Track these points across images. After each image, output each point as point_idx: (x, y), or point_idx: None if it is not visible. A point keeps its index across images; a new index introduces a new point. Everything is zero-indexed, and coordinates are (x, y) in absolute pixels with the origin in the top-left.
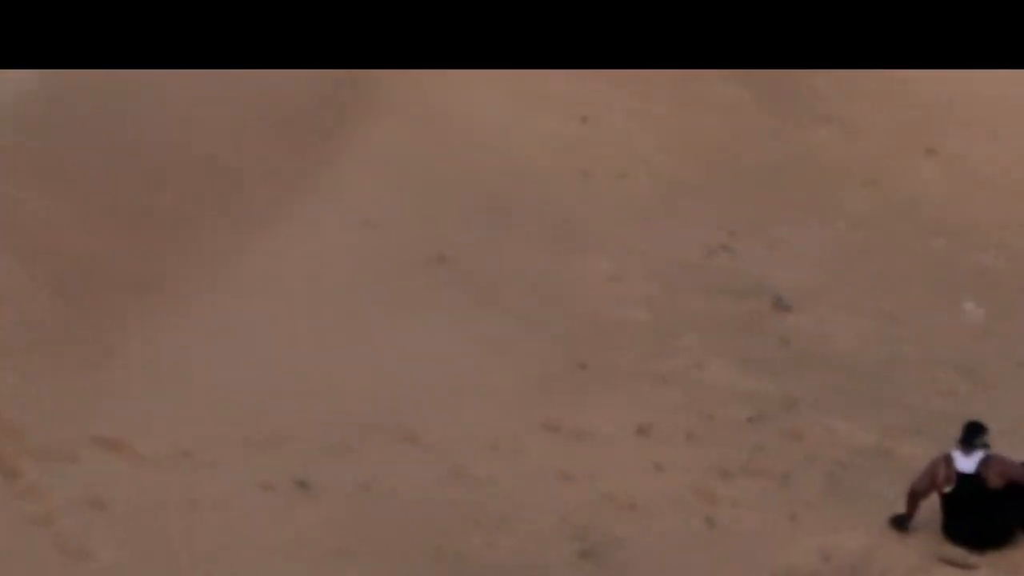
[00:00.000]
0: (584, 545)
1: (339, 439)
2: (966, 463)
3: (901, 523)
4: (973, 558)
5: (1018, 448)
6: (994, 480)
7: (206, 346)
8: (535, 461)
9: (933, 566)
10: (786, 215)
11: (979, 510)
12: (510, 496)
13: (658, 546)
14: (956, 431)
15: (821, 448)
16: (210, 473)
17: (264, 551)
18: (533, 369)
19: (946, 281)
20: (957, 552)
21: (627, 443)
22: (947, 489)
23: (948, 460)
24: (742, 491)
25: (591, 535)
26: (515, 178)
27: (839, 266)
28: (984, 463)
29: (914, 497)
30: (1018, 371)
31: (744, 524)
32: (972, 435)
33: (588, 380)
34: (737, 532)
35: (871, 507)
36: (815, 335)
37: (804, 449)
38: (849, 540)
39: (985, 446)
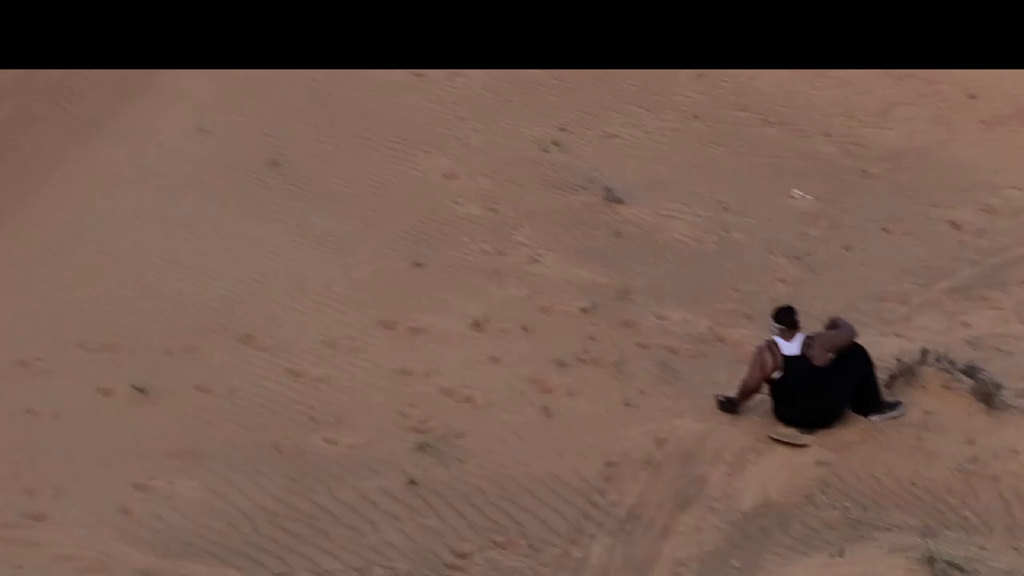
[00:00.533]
0: (423, 439)
1: (177, 343)
2: (790, 347)
3: (731, 407)
4: (805, 437)
5: None
6: (820, 357)
7: (40, 253)
8: (372, 359)
9: (764, 446)
10: (618, 109)
11: (808, 391)
12: (348, 393)
13: (496, 437)
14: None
15: (654, 336)
16: (47, 381)
17: (105, 456)
18: (369, 268)
19: (776, 169)
20: (789, 432)
21: (464, 338)
22: (776, 375)
23: (773, 347)
24: (577, 380)
25: (430, 429)
26: (349, 80)
27: (671, 158)
28: (807, 343)
29: (748, 392)
30: (846, 255)
31: (580, 413)
32: (787, 318)
33: (424, 277)
34: (573, 421)
35: (703, 393)
36: (647, 226)
37: (637, 337)
38: (682, 425)
39: (798, 326)
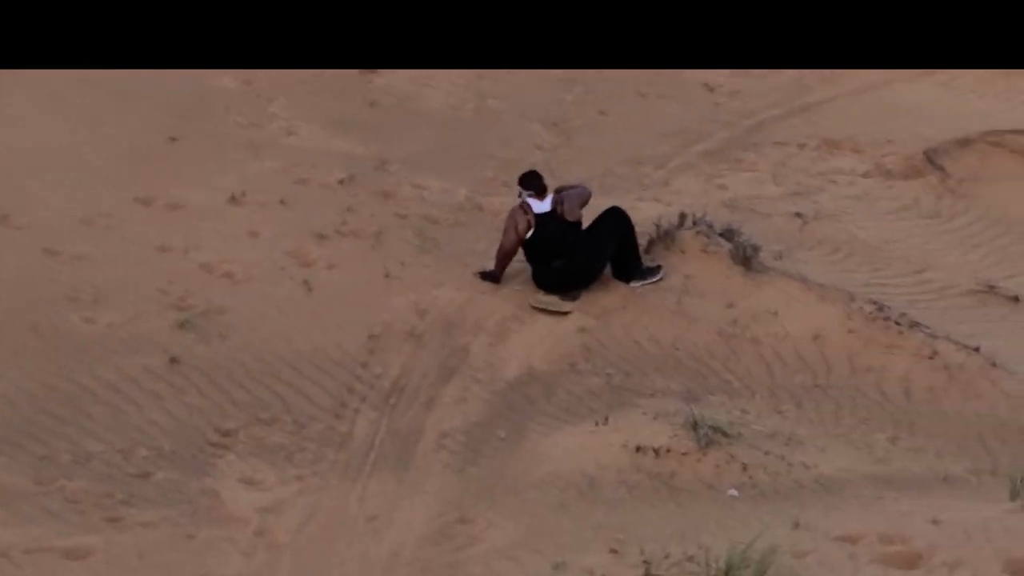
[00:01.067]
0: (183, 315)
1: None
2: (541, 206)
3: (492, 277)
4: (566, 304)
5: (608, 191)
6: (571, 212)
7: None
8: (130, 235)
9: (526, 315)
10: None
11: (562, 248)
12: (106, 271)
13: (257, 312)
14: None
15: (412, 206)
16: None
17: None
18: (125, 144)
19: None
20: (550, 299)
21: (222, 212)
22: (529, 234)
23: (525, 207)
24: (337, 253)
25: (190, 305)
26: None
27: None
28: (557, 200)
29: (505, 256)
30: (600, 119)
31: (340, 285)
32: (532, 182)
33: (180, 152)
34: (334, 294)
35: (463, 262)
36: (403, 95)
37: (396, 208)
38: (443, 295)
39: (546, 189)
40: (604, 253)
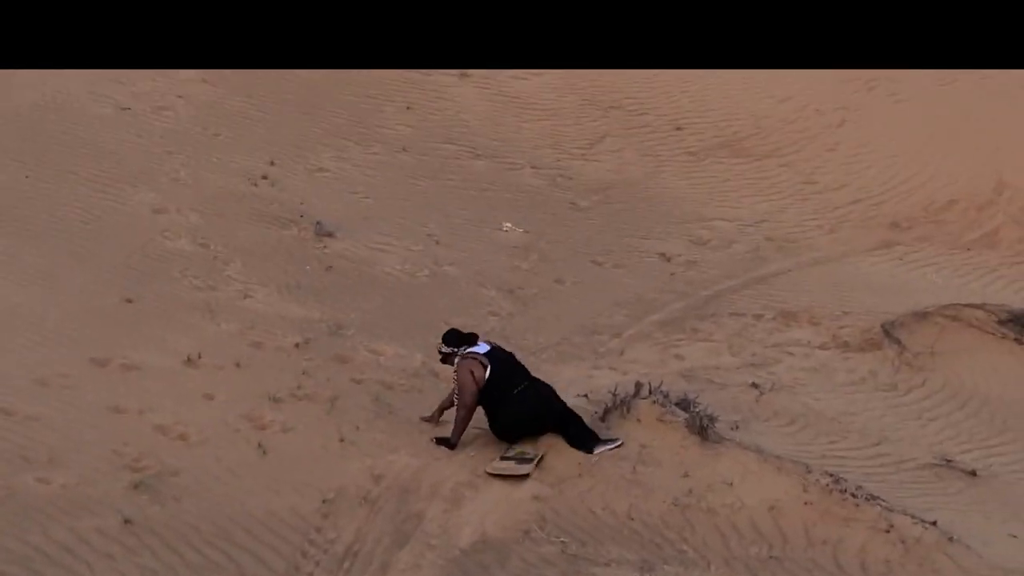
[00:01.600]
0: (138, 477)
1: None
2: (481, 347)
3: (448, 444)
4: (522, 467)
5: (564, 360)
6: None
7: None
8: (85, 396)
9: (481, 481)
10: (326, 141)
11: (520, 371)
12: (61, 432)
13: (212, 474)
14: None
15: (368, 371)
16: None
17: None
18: (80, 304)
19: (485, 202)
20: (506, 465)
21: (177, 374)
22: (487, 375)
23: (469, 355)
24: (292, 416)
25: (144, 467)
26: (55, 114)
27: (380, 191)
28: (493, 346)
29: (468, 415)
30: (556, 288)
31: (295, 449)
32: (455, 336)
33: (136, 313)
34: (289, 457)
35: (419, 427)
36: (359, 259)
37: (351, 372)
38: (398, 460)
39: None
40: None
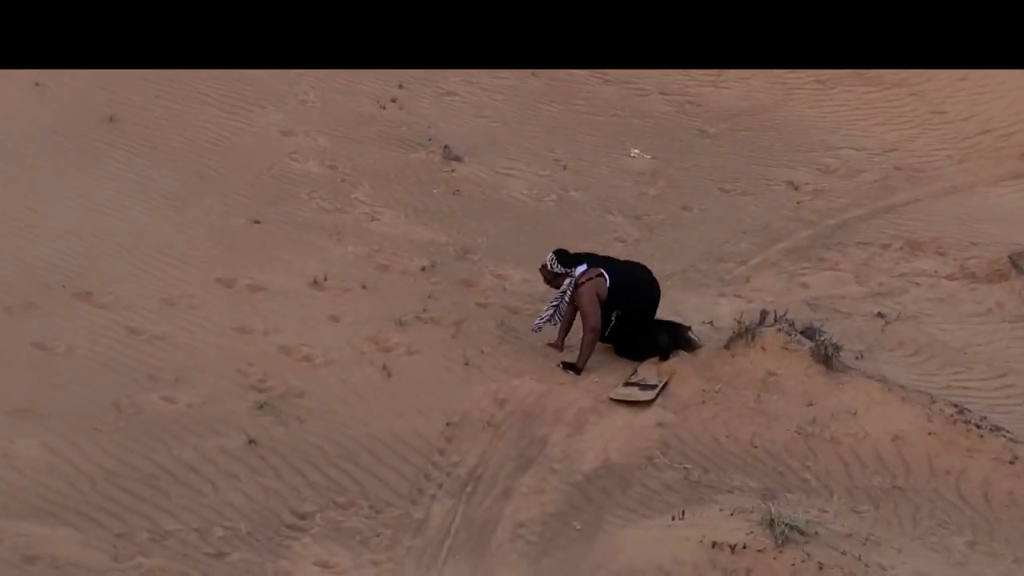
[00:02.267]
0: (263, 398)
1: (15, 300)
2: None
3: (573, 367)
4: (647, 394)
5: (690, 287)
6: None
7: None
8: (211, 316)
9: (605, 407)
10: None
11: (640, 273)
12: (187, 351)
13: (336, 396)
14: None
15: (493, 295)
16: None
17: None
18: (208, 225)
19: (613, 128)
20: (629, 391)
21: (303, 296)
22: (607, 292)
23: (585, 275)
24: (417, 339)
25: (269, 387)
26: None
27: (509, 115)
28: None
29: (595, 338)
30: (682, 215)
31: (420, 372)
32: (567, 256)
33: (263, 234)
34: (413, 380)
35: (543, 352)
36: (485, 184)
37: (476, 296)
38: (522, 385)
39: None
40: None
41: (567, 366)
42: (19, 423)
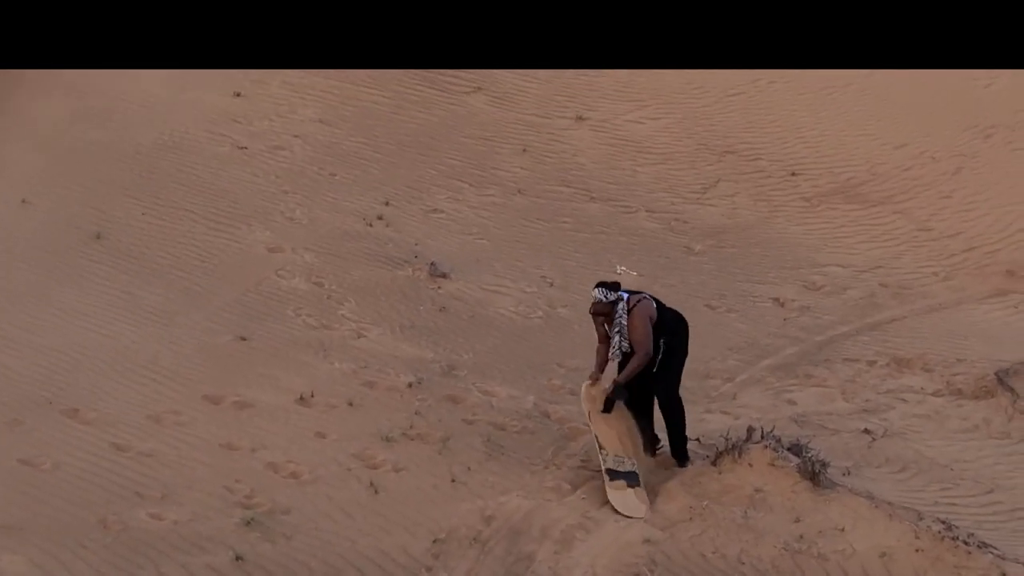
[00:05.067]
0: (249, 514)
1: (0, 415)
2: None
3: (620, 392)
4: (640, 509)
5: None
6: None
7: None
8: (198, 433)
9: (592, 523)
10: (441, 183)
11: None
12: (174, 468)
13: (322, 513)
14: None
15: (480, 412)
16: None
17: None
18: (195, 342)
19: (599, 245)
20: (626, 500)
21: (290, 412)
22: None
23: (643, 299)
24: (404, 456)
25: (256, 504)
26: (173, 153)
27: (495, 233)
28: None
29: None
30: None
31: (407, 488)
32: (612, 283)
33: (250, 351)
34: (400, 497)
35: (530, 469)
36: (472, 300)
37: (463, 413)
38: (509, 502)
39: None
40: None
41: (617, 394)
42: (4, 539)
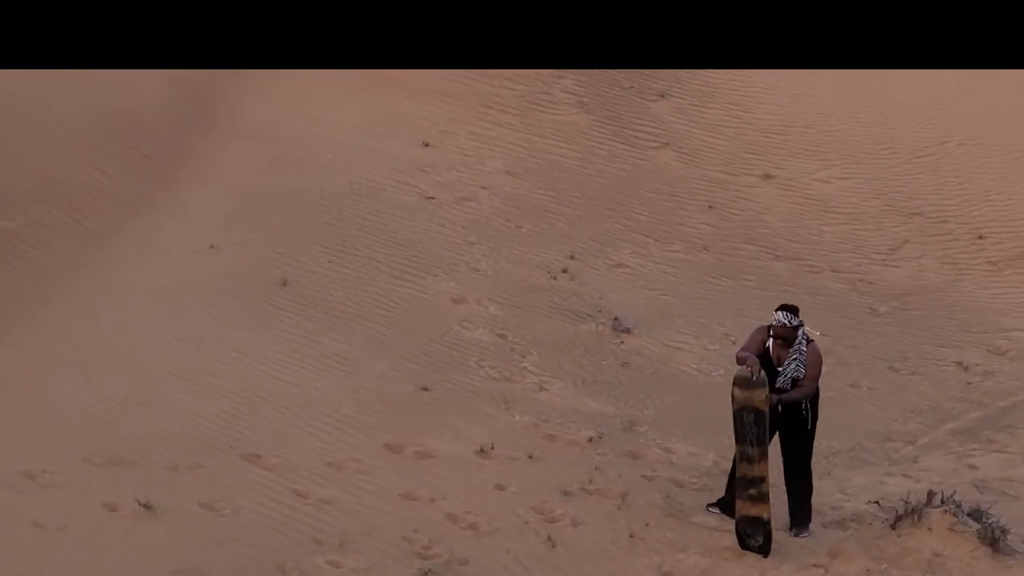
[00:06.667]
0: (426, 564)
1: (182, 460)
2: None
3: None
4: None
5: (856, 465)
6: None
7: (48, 365)
8: (378, 482)
9: None
10: (627, 238)
11: None
12: (353, 516)
13: (500, 565)
14: None
15: (659, 468)
16: (53, 494)
17: (110, 572)
18: (377, 390)
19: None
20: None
21: (469, 464)
22: None
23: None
24: (582, 511)
25: (433, 555)
26: (360, 201)
27: (679, 289)
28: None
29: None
30: (852, 393)
31: (584, 543)
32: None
33: (431, 401)
34: (577, 551)
35: (708, 526)
36: (654, 356)
37: (642, 469)
38: (687, 559)
39: None
40: None
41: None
42: None
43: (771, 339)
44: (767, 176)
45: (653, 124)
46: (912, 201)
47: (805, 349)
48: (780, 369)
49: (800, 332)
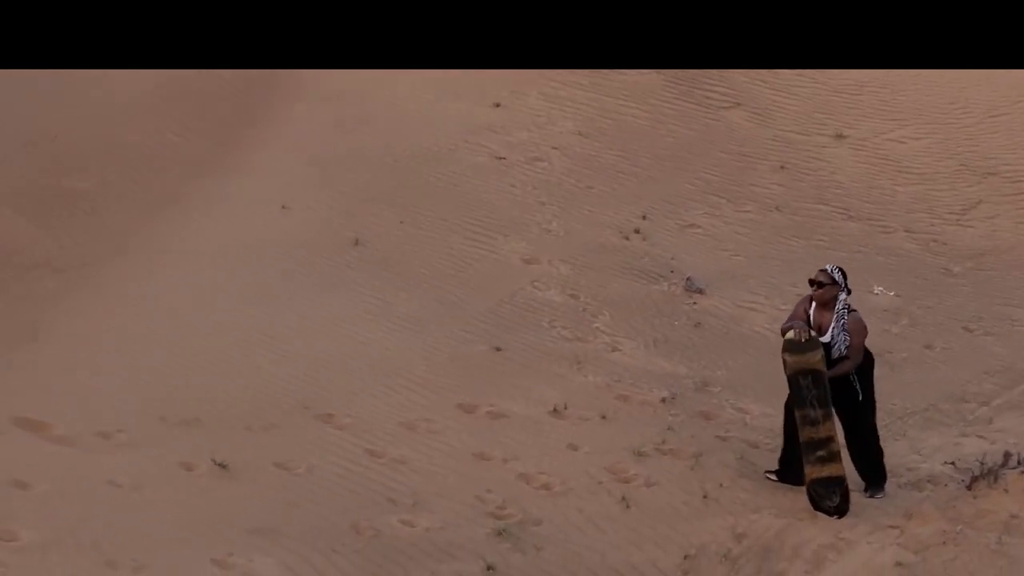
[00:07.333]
0: (500, 524)
1: (256, 419)
2: None
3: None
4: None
5: (931, 426)
6: None
7: (121, 327)
8: (450, 442)
9: (844, 544)
10: (698, 198)
11: None
12: (426, 476)
13: (573, 525)
14: None
15: (733, 428)
16: (129, 454)
17: (185, 531)
18: (449, 351)
19: (856, 264)
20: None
21: (542, 424)
22: None
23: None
24: (655, 471)
25: (507, 515)
26: (430, 162)
27: (750, 249)
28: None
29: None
30: (926, 354)
31: (657, 503)
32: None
33: (504, 361)
34: (650, 511)
35: (782, 487)
36: (727, 317)
37: (716, 429)
38: (761, 520)
39: None
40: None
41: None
42: (259, 541)
43: (811, 305)
44: (839, 136)
45: (724, 84)
46: (986, 161)
47: (847, 317)
48: (823, 339)
49: (842, 297)
